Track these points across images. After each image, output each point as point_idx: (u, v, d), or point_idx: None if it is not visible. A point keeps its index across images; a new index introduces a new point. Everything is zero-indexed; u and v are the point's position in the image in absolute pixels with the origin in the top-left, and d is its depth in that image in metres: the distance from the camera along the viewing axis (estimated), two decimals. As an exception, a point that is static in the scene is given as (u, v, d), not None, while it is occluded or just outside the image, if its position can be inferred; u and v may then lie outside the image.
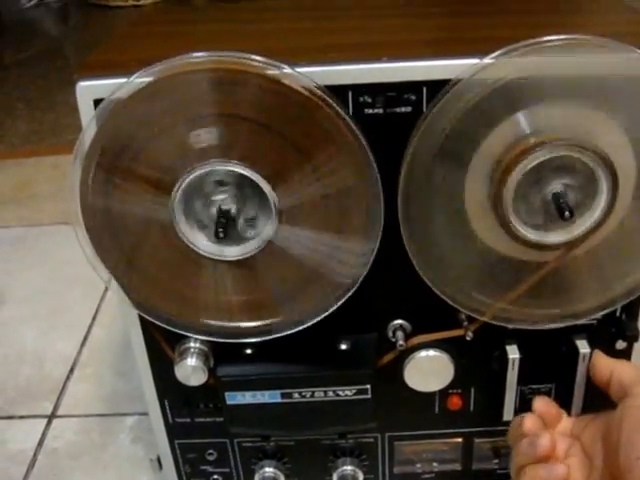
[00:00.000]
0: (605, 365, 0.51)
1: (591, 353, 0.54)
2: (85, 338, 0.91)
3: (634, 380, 0.48)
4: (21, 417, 0.79)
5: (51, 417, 0.79)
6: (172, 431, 0.63)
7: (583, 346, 0.55)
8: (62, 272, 1.04)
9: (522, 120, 0.46)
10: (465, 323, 0.54)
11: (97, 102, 0.47)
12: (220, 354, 0.56)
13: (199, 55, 0.45)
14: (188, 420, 0.62)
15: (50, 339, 0.91)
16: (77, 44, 2.32)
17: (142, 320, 0.56)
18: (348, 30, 0.58)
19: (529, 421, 0.51)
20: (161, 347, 0.57)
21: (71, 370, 0.86)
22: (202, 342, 0.55)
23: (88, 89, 0.48)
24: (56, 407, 0.80)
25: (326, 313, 0.51)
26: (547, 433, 0.50)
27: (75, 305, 0.97)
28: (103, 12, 2.58)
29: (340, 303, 0.51)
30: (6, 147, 1.50)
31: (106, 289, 0.99)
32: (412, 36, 0.55)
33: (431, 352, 0.55)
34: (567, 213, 0.45)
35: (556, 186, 0.47)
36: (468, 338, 0.54)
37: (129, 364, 0.83)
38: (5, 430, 0.78)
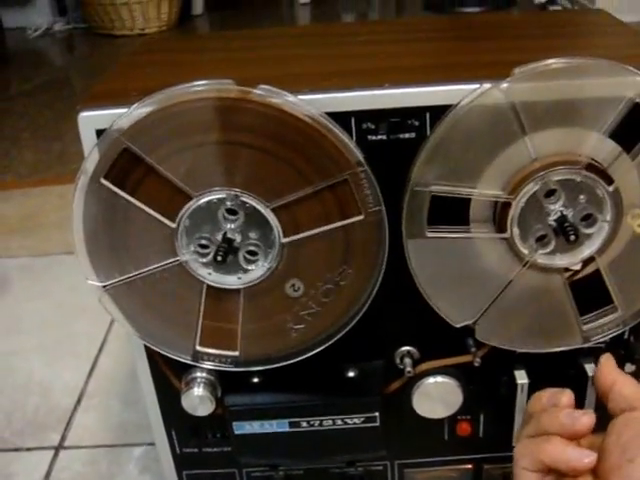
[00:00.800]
0: (609, 374, 0.51)
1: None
2: (92, 368, 0.91)
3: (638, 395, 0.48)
4: (28, 449, 0.79)
5: (58, 448, 0.79)
6: (180, 461, 0.63)
7: (591, 370, 0.55)
8: (69, 302, 1.04)
9: (526, 144, 0.46)
10: (473, 349, 0.54)
11: (99, 132, 0.47)
12: (227, 383, 0.56)
13: (201, 83, 0.45)
14: (196, 450, 0.62)
15: (57, 369, 0.91)
16: (83, 73, 2.34)
17: (148, 350, 0.56)
18: (350, 56, 0.58)
19: (567, 397, 0.49)
20: (167, 377, 0.57)
21: (78, 400, 0.85)
22: (209, 371, 0.55)
23: (90, 119, 0.48)
24: (63, 438, 0.80)
25: (331, 341, 0.51)
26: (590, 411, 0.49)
27: (82, 335, 0.97)
28: (108, 41, 2.61)
29: (346, 330, 0.51)
30: (13, 177, 1.51)
31: (113, 319, 0.99)
32: (414, 61, 0.55)
33: (439, 378, 0.55)
34: (572, 236, 0.45)
35: (559, 209, 0.47)
36: (476, 364, 0.54)
37: (136, 394, 0.82)
38: (12, 462, 0.77)
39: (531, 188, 0.46)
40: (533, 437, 0.48)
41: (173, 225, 0.48)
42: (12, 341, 0.97)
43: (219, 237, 0.48)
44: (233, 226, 0.48)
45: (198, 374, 0.55)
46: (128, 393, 0.85)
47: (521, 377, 0.55)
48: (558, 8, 2.31)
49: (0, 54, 2.61)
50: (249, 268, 0.49)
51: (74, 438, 0.80)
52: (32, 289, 1.10)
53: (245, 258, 0.49)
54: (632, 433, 0.45)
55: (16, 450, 0.79)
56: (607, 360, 0.51)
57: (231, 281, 0.50)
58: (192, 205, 0.47)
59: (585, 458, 0.45)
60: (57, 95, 2.03)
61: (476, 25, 0.68)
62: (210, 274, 0.50)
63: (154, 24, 2.61)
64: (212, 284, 0.50)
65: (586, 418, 0.47)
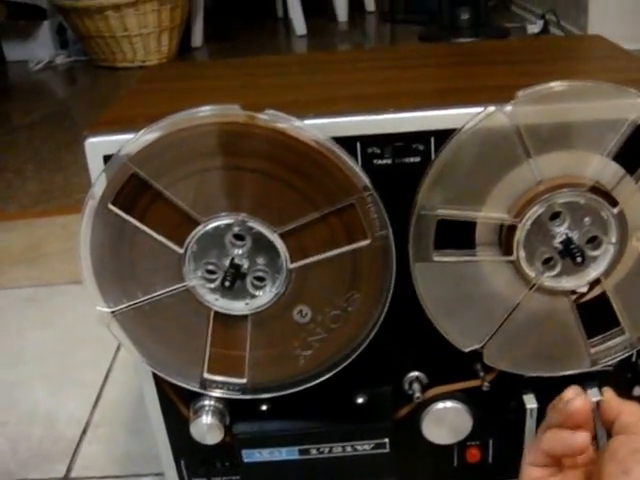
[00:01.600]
0: (615, 406, 0.51)
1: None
2: (97, 398, 0.90)
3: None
4: (34, 480, 0.78)
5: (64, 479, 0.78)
6: (189, 491, 0.62)
7: (594, 394, 0.54)
8: (73, 331, 1.04)
9: (530, 167, 0.46)
10: (481, 373, 0.54)
11: (107, 158, 0.48)
12: (236, 411, 0.55)
13: (207, 109, 0.45)
14: (205, 479, 0.61)
15: (62, 399, 0.90)
16: (84, 105, 2.36)
17: (156, 378, 0.56)
18: (353, 82, 0.59)
19: (571, 390, 0.50)
20: (175, 405, 0.56)
21: (84, 431, 0.85)
22: (217, 399, 0.55)
23: (97, 145, 0.48)
24: (69, 469, 0.79)
25: (340, 367, 0.51)
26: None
27: (87, 364, 0.97)
28: (109, 73, 2.63)
29: (354, 357, 0.51)
30: (17, 208, 1.51)
31: (118, 349, 0.99)
32: (418, 87, 0.56)
33: (448, 404, 0.55)
34: (579, 258, 0.45)
35: (565, 232, 0.47)
36: (485, 388, 0.53)
37: (143, 424, 0.82)
38: (18, 494, 0.77)
39: (536, 211, 0.46)
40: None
41: (180, 250, 0.48)
42: (17, 371, 0.97)
43: (226, 263, 0.48)
44: (240, 251, 0.49)
45: (206, 402, 0.55)
46: (134, 423, 0.84)
47: (530, 402, 0.55)
48: (551, 39, 2.35)
49: (3, 87, 2.63)
50: (256, 294, 0.50)
51: (80, 469, 0.79)
52: (36, 319, 1.09)
53: (252, 284, 0.49)
54: (628, 450, 0.46)
55: (22, 482, 0.78)
56: (609, 393, 0.52)
57: (238, 307, 0.50)
58: (199, 231, 0.47)
59: (578, 437, 0.46)
60: (59, 127, 2.05)
61: (476, 51, 0.69)
62: (217, 300, 0.50)
63: (154, 56, 2.64)
64: (219, 310, 0.50)
65: (579, 400, 0.47)
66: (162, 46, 2.64)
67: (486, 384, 0.53)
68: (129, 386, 0.92)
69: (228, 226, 0.48)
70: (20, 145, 1.92)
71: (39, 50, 2.83)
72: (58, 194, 1.56)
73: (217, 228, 0.47)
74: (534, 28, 2.42)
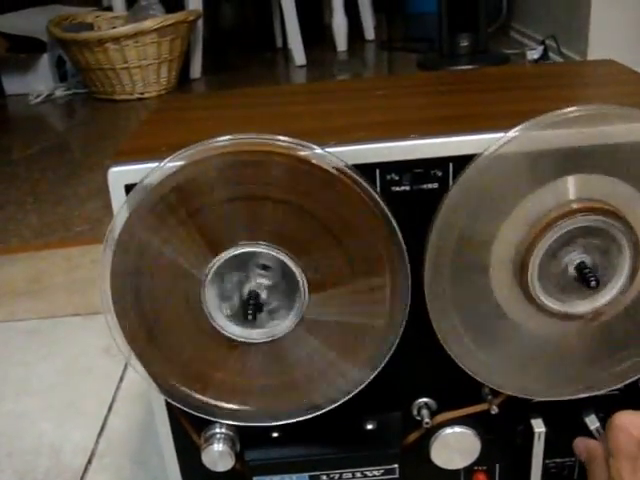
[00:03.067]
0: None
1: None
2: (102, 428, 0.90)
3: None
4: (40, 512, 0.78)
5: (71, 510, 0.78)
6: (198, 520, 0.62)
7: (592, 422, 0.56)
8: (76, 363, 1.04)
9: (547, 192, 0.46)
10: (489, 397, 0.54)
11: (128, 187, 0.48)
12: (247, 438, 0.56)
13: (229, 138, 0.46)
14: (215, 508, 0.61)
15: (66, 430, 0.90)
16: (83, 138, 2.38)
17: (168, 406, 0.56)
18: (366, 110, 0.59)
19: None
20: (187, 433, 0.57)
21: (89, 461, 0.85)
22: (228, 427, 0.56)
23: (120, 175, 0.49)
24: (76, 500, 0.79)
25: (352, 394, 0.52)
26: None
27: (90, 396, 0.97)
28: (109, 105, 2.65)
29: (366, 383, 0.52)
30: (18, 241, 1.52)
31: (121, 379, 0.99)
32: (433, 113, 0.56)
33: (457, 429, 0.56)
34: (593, 283, 0.46)
35: (579, 256, 0.48)
36: (493, 412, 0.54)
37: (148, 453, 0.82)
38: (24, 526, 0.76)
39: (552, 235, 0.47)
40: None
41: (201, 280, 0.48)
42: (21, 403, 0.97)
43: (245, 291, 0.49)
44: (260, 280, 0.49)
45: (217, 430, 0.56)
46: (139, 452, 0.84)
47: (538, 426, 0.56)
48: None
49: (2, 120, 2.65)
50: (273, 323, 0.50)
51: (86, 500, 0.79)
52: (39, 351, 1.10)
53: (270, 313, 0.50)
54: None
55: (28, 513, 0.78)
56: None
57: (255, 335, 0.50)
58: (220, 259, 0.48)
59: None
60: (59, 160, 2.06)
61: (489, 78, 0.69)
62: (234, 328, 0.50)
63: (153, 88, 2.67)
64: (235, 338, 0.50)
65: None
66: (161, 78, 2.67)
67: (494, 407, 0.54)
68: (133, 416, 0.92)
69: (248, 255, 0.48)
70: (20, 178, 1.93)
71: (38, 83, 2.85)
72: (59, 227, 1.57)
73: (237, 257, 0.48)
74: (534, 54, 2.43)
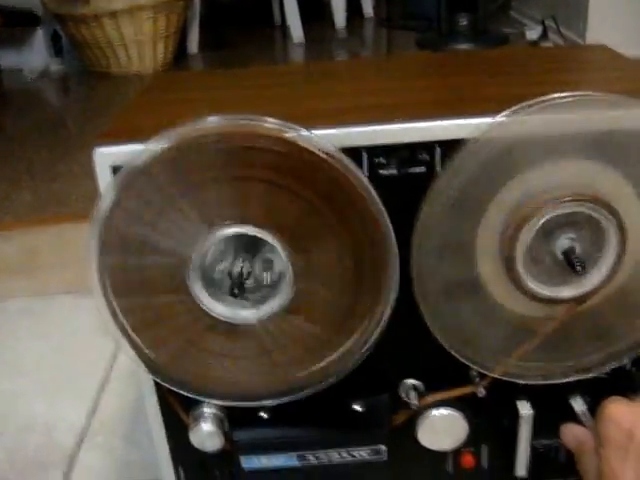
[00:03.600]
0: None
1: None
2: (94, 407, 0.91)
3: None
4: (31, 488, 0.79)
5: (62, 487, 0.78)
6: (187, 499, 0.63)
7: (578, 405, 0.56)
8: (69, 342, 1.04)
9: (534, 177, 0.46)
10: (477, 380, 0.54)
11: (115, 168, 0.48)
12: (235, 418, 0.56)
13: (215, 119, 0.46)
14: (203, 487, 0.62)
15: (59, 409, 0.91)
16: (79, 114, 2.36)
17: (157, 385, 0.56)
18: (357, 92, 0.59)
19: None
20: (176, 412, 0.57)
21: (81, 439, 0.85)
22: (217, 407, 0.56)
23: (106, 156, 0.49)
24: (67, 477, 0.80)
25: (340, 375, 0.52)
26: None
27: (83, 374, 0.97)
28: (104, 81, 2.63)
29: (357, 363, 0.52)
30: (12, 218, 1.51)
31: (114, 357, 0.99)
32: (423, 96, 0.56)
33: (444, 411, 0.56)
34: (579, 267, 0.46)
35: (566, 241, 0.48)
36: (480, 395, 0.54)
37: (140, 432, 0.82)
38: (15, 503, 0.77)
39: (538, 221, 0.47)
40: None
41: (188, 260, 0.48)
42: (14, 382, 0.97)
43: (233, 271, 0.49)
44: (247, 261, 0.49)
45: (206, 409, 0.56)
46: (131, 431, 0.85)
47: (524, 408, 0.56)
48: (549, 44, 2.35)
49: (-3, 95, 2.63)
50: (261, 302, 0.50)
51: (77, 477, 0.80)
52: (32, 329, 1.10)
53: (258, 292, 0.50)
54: None
55: (19, 490, 0.79)
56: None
57: (243, 315, 0.50)
58: (207, 239, 0.48)
59: None
60: (53, 136, 2.05)
61: (482, 60, 0.69)
62: (222, 308, 0.50)
63: (150, 64, 2.64)
64: (225, 319, 0.50)
65: None
66: (158, 54, 2.65)
67: (481, 390, 0.54)
68: (125, 395, 0.92)
69: (235, 235, 0.48)
70: (14, 154, 1.91)
71: (33, 58, 2.83)
72: (53, 204, 1.56)
73: (224, 237, 0.48)
74: (533, 34, 2.41)
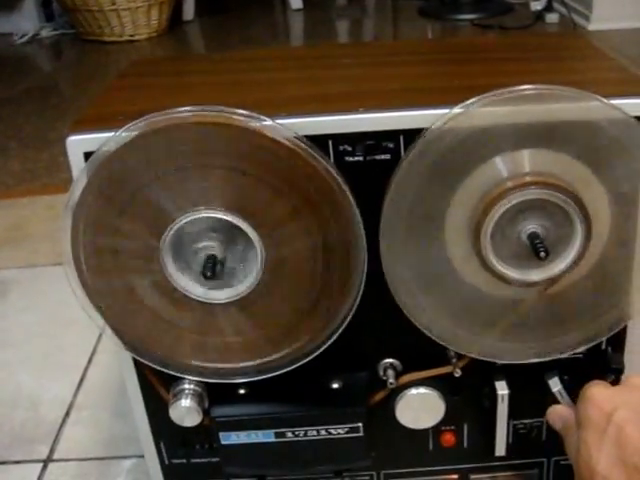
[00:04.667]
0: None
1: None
2: (81, 380, 0.91)
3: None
4: (16, 462, 0.79)
5: (47, 461, 0.79)
6: (168, 472, 0.63)
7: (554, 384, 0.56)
8: (57, 314, 1.04)
9: (497, 165, 0.47)
10: (454, 360, 0.55)
11: (87, 155, 0.49)
12: (214, 395, 0.56)
13: (183, 109, 0.47)
14: (184, 461, 0.62)
15: (45, 382, 0.91)
16: (71, 80, 2.34)
17: (136, 362, 0.57)
18: (330, 80, 0.60)
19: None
20: (155, 389, 0.57)
21: (67, 413, 0.85)
22: (196, 383, 0.56)
23: (78, 143, 0.50)
24: (52, 451, 0.80)
25: (317, 352, 0.52)
26: None
27: (71, 347, 0.97)
28: (97, 47, 2.59)
29: (330, 342, 0.52)
30: (0, 188, 1.50)
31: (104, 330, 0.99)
32: (390, 85, 0.56)
33: (421, 390, 0.56)
34: (542, 253, 0.46)
35: (531, 226, 0.48)
36: (456, 375, 0.55)
37: (126, 406, 0.82)
38: None
39: (503, 206, 0.47)
40: None
41: (159, 243, 0.49)
42: (1, 353, 0.98)
43: (203, 254, 0.49)
44: (217, 244, 0.50)
45: (186, 386, 0.56)
46: (118, 405, 0.85)
47: (502, 388, 0.56)
48: (554, 16, 2.32)
49: (-14, 61, 2.60)
50: (234, 283, 0.50)
51: (63, 451, 0.80)
52: (20, 301, 1.10)
53: (229, 274, 0.50)
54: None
55: (3, 463, 0.79)
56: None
57: (216, 295, 0.51)
58: (177, 224, 0.48)
59: None
60: (44, 103, 2.02)
61: (455, 49, 0.70)
62: (196, 289, 0.51)
63: (144, 30, 2.61)
64: (198, 299, 0.51)
65: None
66: (152, 20, 2.61)
67: (458, 370, 0.55)
68: (113, 369, 0.92)
69: (204, 220, 0.49)
70: (3, 121, 1.89)
71: (24, 22, 2.79)
72: (42, 173, 1.55)
73: (193, 222, 0.48)
74: (537, 5, 2.40)
